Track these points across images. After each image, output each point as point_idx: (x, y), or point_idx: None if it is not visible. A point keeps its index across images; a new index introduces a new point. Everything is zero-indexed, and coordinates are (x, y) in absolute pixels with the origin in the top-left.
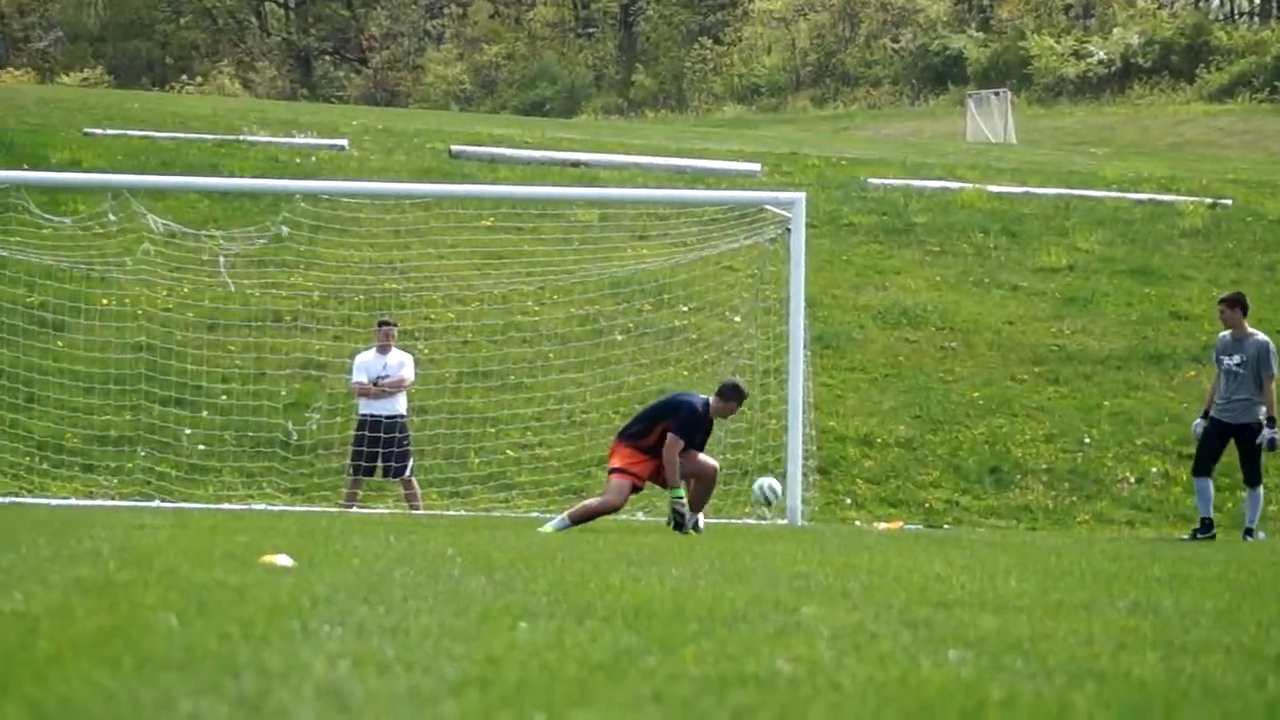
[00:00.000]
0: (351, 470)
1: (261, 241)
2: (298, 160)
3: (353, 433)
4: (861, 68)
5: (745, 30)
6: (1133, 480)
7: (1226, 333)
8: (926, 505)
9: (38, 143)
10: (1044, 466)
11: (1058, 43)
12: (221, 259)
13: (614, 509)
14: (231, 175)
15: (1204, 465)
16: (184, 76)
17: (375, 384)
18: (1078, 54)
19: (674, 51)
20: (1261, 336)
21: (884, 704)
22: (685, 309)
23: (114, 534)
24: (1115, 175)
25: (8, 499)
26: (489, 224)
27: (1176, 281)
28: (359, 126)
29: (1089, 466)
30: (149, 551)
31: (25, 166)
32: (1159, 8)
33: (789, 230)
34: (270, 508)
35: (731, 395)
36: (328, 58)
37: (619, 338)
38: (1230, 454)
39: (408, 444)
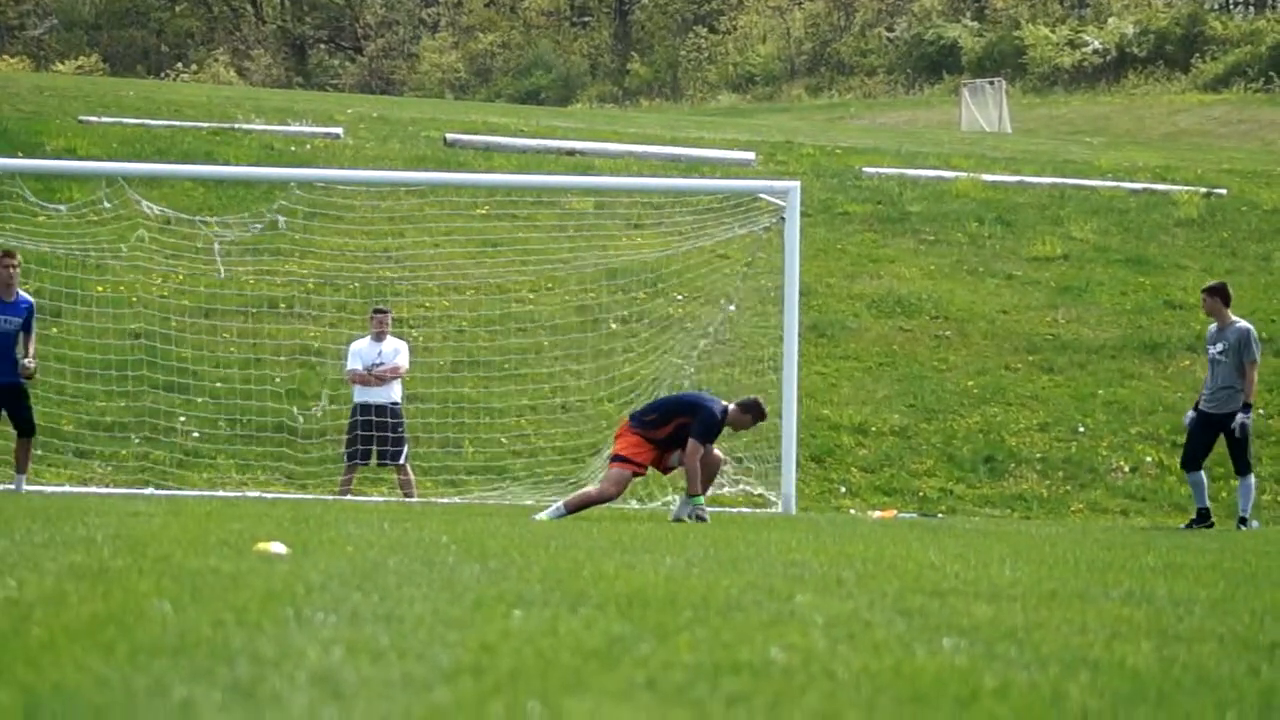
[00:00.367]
0: (346, 457)
1: (257, 229)
2: (293, 148)
3: (349, 420)
4: (857, 57)
5: (740, 19)
6: (1127, 469)
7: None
8: (921, 494)
9: (33, 130)
10: (1038, 455)
11: (1053, 32)
12: (216, 246)
13: (611, 499)
14: (226, 163)
15: (1192, 459)
16: (179, 64)
17: (370, 371)
18: (1073, 43)
19: (669, 40)
20: (1243, 324)
21: (878, 692)
22: (680, 298)
23: (108, 521)
24: (1110, 165)
25: (3, 486)
26: (484, 212)
27: (1171, 271)
28: (354, 114)
29: (1083, 455)
30: (143, 538)
31: (20, 154)
32: None
33: (784, 219)
34: (265, 495)
35: (752, 410)
36: (323, 46)
37: (614, 326)
38: (1224, 444)
39: (403, 431)
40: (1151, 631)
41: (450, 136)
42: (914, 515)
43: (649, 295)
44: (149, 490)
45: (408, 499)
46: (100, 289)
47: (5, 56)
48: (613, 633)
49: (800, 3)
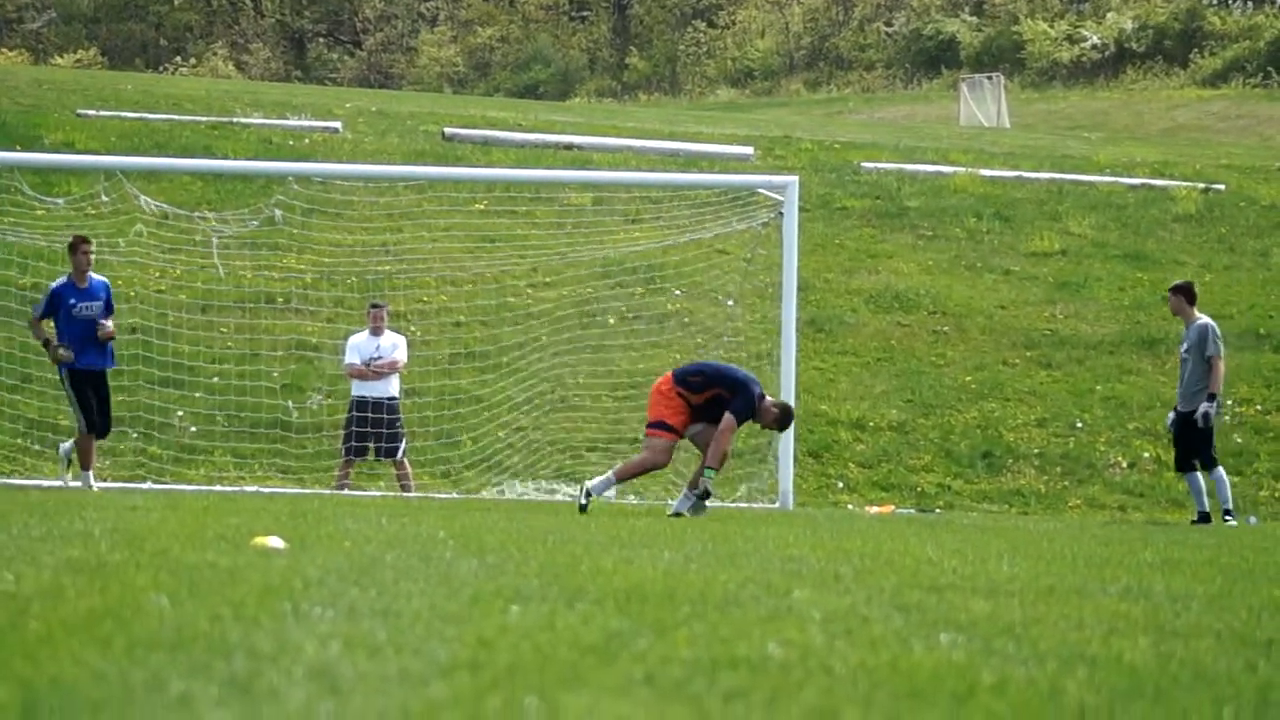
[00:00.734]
0: (344, 452)
1: (255, 224)
2: (291, 142)
3: (346, 414)
4: (855, 51)
5: (739, 14)
6: (1124, 465)
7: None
8: (918, 489)
9: (31, 124)
10: (1036, 451)
11: (1051, 27)
12: (214, 240)
13: (661, 466)
14: (225, 157)
15: (1184, 461)
16: (178, 58)
17: (368, 366)
18: (1071, 39)
19: (667, 35)
20: (1204, 320)
21: (875, 687)
22: (678, 292)
23: (106, 515)
24: (1108, 160)
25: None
26: (482, 207)
27: (1169, 266)
28: (352, 109)
29: (1081, 451)
30: (141, 533)
31: (18, 147)
32: None
33: (781, 214)
34: (262, 489)
35: (778, 408)
36: (321, 40)
37: (611, 321)
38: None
39: (400, 425)
40: (1149, 627)
41: (448, 131)
42: (911, 510)
43: (647, 290)
44: (146, 485)
45: (405, 493)
46: None
47: (4, 50)
48: (610, 628)
49: None
